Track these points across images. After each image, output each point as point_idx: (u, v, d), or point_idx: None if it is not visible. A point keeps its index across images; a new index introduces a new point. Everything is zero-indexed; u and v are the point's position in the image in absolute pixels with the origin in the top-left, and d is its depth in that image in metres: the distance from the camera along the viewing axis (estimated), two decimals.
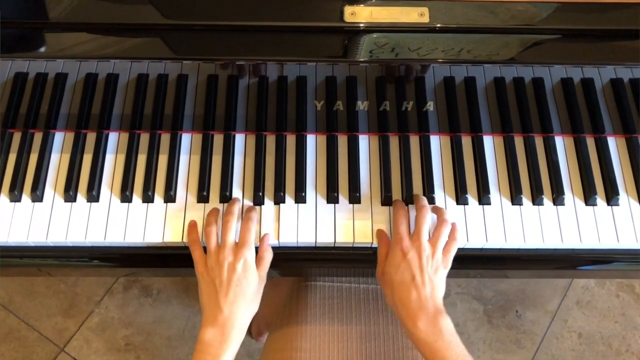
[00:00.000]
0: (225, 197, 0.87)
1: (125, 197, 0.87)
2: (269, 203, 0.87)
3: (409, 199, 0.87)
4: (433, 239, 0.80)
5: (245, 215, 0.84)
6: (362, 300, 1.01)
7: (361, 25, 0.77)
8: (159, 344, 1.60)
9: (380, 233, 0.85)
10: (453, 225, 0.83)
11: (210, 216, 0.84)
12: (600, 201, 0.88)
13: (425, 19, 0.76)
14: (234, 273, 0.78)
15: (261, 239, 0.84)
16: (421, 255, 0.78)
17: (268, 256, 0.83)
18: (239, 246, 0.80)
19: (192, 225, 0.85)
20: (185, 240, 0.84)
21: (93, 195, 0.87)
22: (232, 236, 0.81)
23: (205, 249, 0.82)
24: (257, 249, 0.82)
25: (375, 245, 0.85)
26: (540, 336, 1.63)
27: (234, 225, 0.82)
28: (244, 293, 0.78)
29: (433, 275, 0.77)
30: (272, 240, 0.85)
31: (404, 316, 0.77)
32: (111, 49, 0.79)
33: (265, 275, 0.82)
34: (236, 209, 0.84)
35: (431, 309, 0.76)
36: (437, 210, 0.84)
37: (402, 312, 0.77)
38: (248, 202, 0.87)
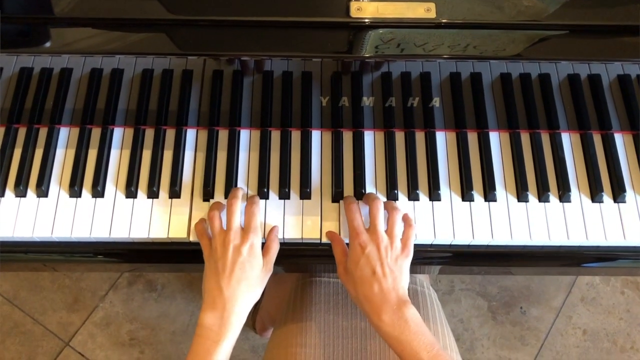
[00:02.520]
0: None
1: (130, 192, 0.87)
2: (273, 198, 0.87)
3: (414, 195, 0.87)
4: (388, 229, 0.79)
5: (249, 200, 0.84)
6: None
7: (367, 20, 0.76)
8: (163, 338, 1.61)
9: (330, 234, 0.84)
10: (405, 214, 0.83)
11: (214, 204, 0.84)
12: (607, 198, 0.88)
13: (432, 15, 0.76)
14: (239, 256, 0.77)
15: (270, 230, 0.84)
16: (379, 247, 0.77)
17: (275, 246, 0.82)
18: (245, 230, 0.79)
19: (200, 220, 0.85)
20: (192, 237, 0.84)
21: (98, 191, 0.87)
22: (238, 219, 0.80)
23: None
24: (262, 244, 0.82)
25: None
26: (545, 333, 1.63)
27: (239, 209, 0.81)
28: (246, 277, 0.77)
29: (394, 266, 0.77)
30: (278, 235, 0.85)
31: (369, 311, 0.76)
32: (116, 44, 0.78)
33: (272, 266, 0.81)
34: (240, 193, 0.84)
35: (394, 300, 0.75)
36: (386, 203, 0.84)
37: (366, 308, 0.76)
38: None
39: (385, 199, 0.87)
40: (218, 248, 0.78)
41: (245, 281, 0.77)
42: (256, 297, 0.80)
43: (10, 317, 1.62)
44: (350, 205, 0.82)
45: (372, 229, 0.79)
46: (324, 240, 0.86)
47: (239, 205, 0.82)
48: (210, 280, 0.77)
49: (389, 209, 0.82)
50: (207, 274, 0.79)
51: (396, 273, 0.77)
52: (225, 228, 0.80)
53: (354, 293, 0.78)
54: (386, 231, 0.79)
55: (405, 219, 0.83)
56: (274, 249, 0.82)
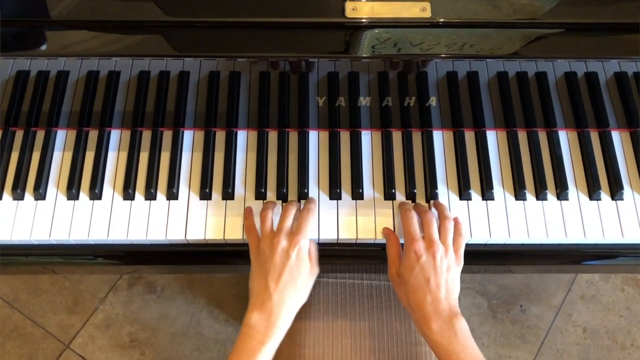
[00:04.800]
0: (228, 194, 0.87)
1: (128, 194, 0.87)
2: (271, 199, 0.87)
3: (411, 195, 0.87)
4: (442, 237, 0.79)
5: (305, 204, 0.84)
6: (366, 297, 1.01)
7: (362, 20, 0.76)
8: (163, 340, 1.61)
9: (387, 232, 0.84)
10: (456, 219, 0.83)
11: (268, 203, 0.84)
12: (605, 196, 0.88)
13: (427, 14, 0.76)
14: (288, 259, 0.77)
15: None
16: (435, 256, 0.77)
17: (315, 247, 0.82)
18: (294, 233, 0.79)
19: (249, 211, 0.85)
20: (188, 237, 0.84)
21: (95, 193, 0.87)
22: (290, 223, 0.80)
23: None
24: None
25: (378, 241, 0.85)
26: (545, 331, 1.63)
27: (293, 214, 0.82)
28: (294, 282, 0.77)
29: (447, 275, 0.77)
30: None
31: (418, 318, 0.77)
32: (112, 47, 0.78)
33: (317, 268, 0.81)
34: (297, 204, 0.84)
35: (446, 311, 0.75)
36: (438, 207, 0.84)
37: (416, 315, 0.77)
38: (250, 199, 0.87)
39: (381, 199, 0.87)
40: (266, 249, 0.78)
41: (293, 285, 0.77)
42: (303, 300, 0.79)
43: (10, 320, 1.62)
44: (407, 211, 0.82)
45: (427, 237, 0.79)
46: (322, 240, 0.86)
47: (294, 211, 0.82)
48: (259, 281, 0.77)
49: (441, 216, 0.82)
50: (255, 274, 0.78)
51: (449, 283, 0.77)
52: (275, 230, 0.80)
53: (404, 298, 0.79)
54: (439, 239, 0.79)
55: (456, 227, 0.82)
56: (315, 250, 0.82)
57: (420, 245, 0.77)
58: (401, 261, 0.79)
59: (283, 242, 0.78)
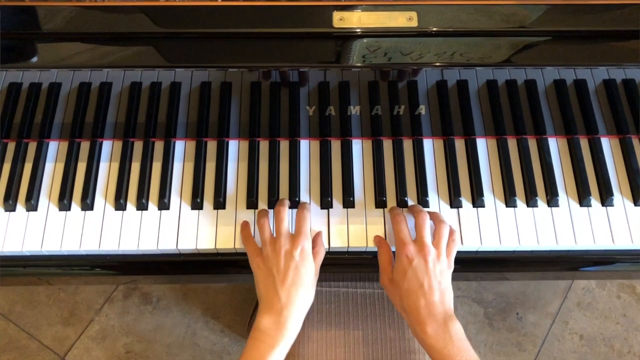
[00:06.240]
0: (219, 203, 0.87)
1: (120, 205, 0.87)
2: (262, 208, 0.87)
3: (403, 202, 0.87)
4: (435, 240, 0.79)
5: (300, 206, 0.85)
6: (359, 305, 1.01)
7: (350, 30, 0.77)
8: (159, 351, 1.60)
9: (378, 239, 0.84)
10: (450, 227, 0.83)
11: (262, 211, 0.85)
12: (595, 202, 0.88)
13: (414, 23, 0.76)
14: (292, 260, 0.78)
15: (316, 234, 0.84)
16: (427, 260, 0.77)
17: (322, 251, 0.83)
18: (295, 235, 0.80)
19: (245, 223, 0.85)
20: (179, 247, 0.84)
21: (87, 204, 0.87)
22: (287, 225, 0.81)
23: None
24: None
25: (370, 249, 0.85)
26: (542, 338, 1.62)
27: (287, 216, 0.82)
28: (301, 281, 0.77)
29: (441, 278, 0.77)
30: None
31: (413, 323, 0.76)
32: (104, 59, 0.79)
33: (319, 271, 0.82)
34: (287, 202, 0.85)
35: (440, 314, 0.75)
36: (432, 214, 0.84)
37: (411, 319, 0.77)
38: (242, 208, 0.87)
39: (372, 207, 0.87)
40: (270, 255, 0.79)
41: (301, 285, 0.77)
42: (310, 301, 0.80)
43: (6, 332, 1.61)
44: (396, 216, 0.82)
45: (419, 241, 0.79)
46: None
47: (287, 212, 0.83)
48: (267, 286, 0.78)
49: (436, 221, 0.82)
50: (261, 280, 0.79)
51: (443, 286, 0.77)
52: (274, 235, 0.81)
53: (398, 304, 0.79)
54: (432, 242, 0.79)
55: (450, 234, 0.82)
56: (322, 254, 0.83)
57: (411, 249, 0.78)
58: (393, 267, 0.80)
59: (286, 245, 0.79)
